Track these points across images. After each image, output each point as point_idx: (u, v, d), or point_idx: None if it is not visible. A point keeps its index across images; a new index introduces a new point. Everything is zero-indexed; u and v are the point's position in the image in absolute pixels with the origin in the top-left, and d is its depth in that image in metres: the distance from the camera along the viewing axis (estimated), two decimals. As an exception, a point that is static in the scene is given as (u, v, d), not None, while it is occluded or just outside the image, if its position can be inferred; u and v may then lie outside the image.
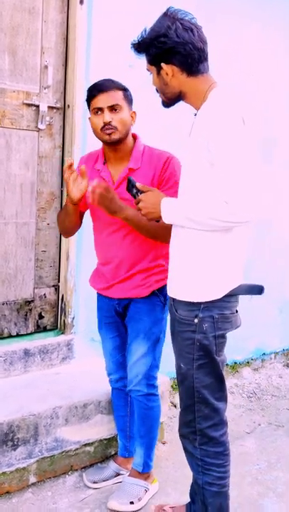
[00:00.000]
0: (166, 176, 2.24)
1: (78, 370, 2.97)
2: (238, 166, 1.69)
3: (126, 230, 2.27)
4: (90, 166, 2.35)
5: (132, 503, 2.35)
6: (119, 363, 2.50)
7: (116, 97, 2.19)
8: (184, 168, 1.94)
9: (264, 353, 4.11)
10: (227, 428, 2.00)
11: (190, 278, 1.88)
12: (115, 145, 2.24)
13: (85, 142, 2.93)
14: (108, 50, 2.99)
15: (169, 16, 1.84)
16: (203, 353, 1.88)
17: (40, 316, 3.04)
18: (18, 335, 2.95)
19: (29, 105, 2.83)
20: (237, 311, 1.95)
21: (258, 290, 1.91)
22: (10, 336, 2.92)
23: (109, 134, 2.19)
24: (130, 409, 2.54)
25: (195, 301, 1.86)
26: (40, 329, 3.04)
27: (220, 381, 1.94)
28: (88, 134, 2.89)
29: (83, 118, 2.92)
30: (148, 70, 1.94)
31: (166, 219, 1.86)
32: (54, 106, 2.92)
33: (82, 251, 3.00)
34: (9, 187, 2.83)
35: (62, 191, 3.01)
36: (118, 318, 2.45)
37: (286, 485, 2.60)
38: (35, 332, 3.03)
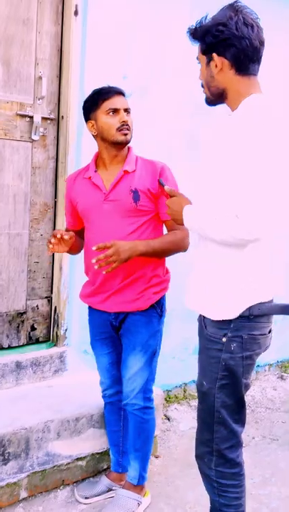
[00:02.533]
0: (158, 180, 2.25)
1: (71, 382, 2.94)
2: (253, 180, 1.62)
3: (122, 237, 2.24)
4: (79, 178, 2.36)
5: None
6: (115, 378, 2.46)
7: (127, 101, 2.29)
8: (207, 172, 1.87)
9: (258, 365, 4.09)
10: (242, 448, 1.96)
11: (218, 295, 1.80)
12: (123, 146, 2.26)
13: (79, 153, 2.92)
14: (102, 62, 3.00)
15: (234, 8, 1.76)
16: (227, 373, 1.82)
17: (33, 328, 3.01)
18: (9, 347, 2.92)
19: (23, 116, 2.82)
20: (270, 332, 1.88)
21: (286, 310, 1.82)
22: (1, 348, 2.89)
23: (126, 134, 2.23)
24: (124, 423, 2.50)
25: (220, 319, 1.79)
26: (32, 341, 3.02)
27: (241, 404, 1.89)
28: (82, 146, 2.90)
29: (77, 129, 2.92)
30: (198, 59, 1.86)
31: (187, 226, 1.86)
32: (48, 117, 2.91)
33: (76, 262, 2.97)
34: (2, 198, 2.82)
35: (56, 202, 3.00)
36: (114, 333, 2.41)
37: (280, 500, 2.58)
38: (28, 344, 3.00)
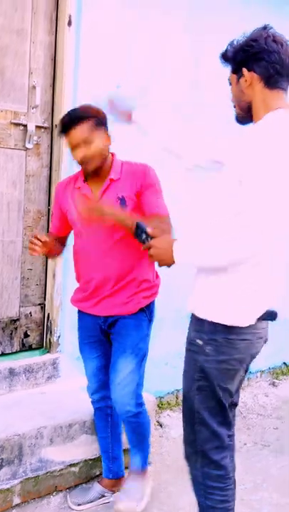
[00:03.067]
0: (147, 182, 2.27)
1: (64, 389, 2.95)
2: (265, 194, 1.62)
3: (111, 243, 2.28)
4: (70, 187, 2.39)
5: (137, 503, 2.43)
6: (102, 382, 2.48)
7: (84, 129, 2.19)
8: (215, 192, 1.87)
9: (250, 372, 4.10)
10: (231, 453, 1.98)
11: (210, 296, 1.82)
12: (95, 172, 2.29)
13: (73, 162, 2.95)
14: (96, 71, 3.04)
15: (265, 29, 1.84)
16: (203, 375, 1.86)
17: (26, 335, 3.03)
18: (3, 354, 2.94)
19: (17, 125, 2.85)
20: (249, 339, 1.84)
21: (270, 315, 1.83)
22: (-5, 355, 2.91)
23: (86, 167, 2.26)
24: (111, 430, 2.53)
25: (200, 317, 1.83)
26: (25, 348, 3.03)
27: (221, 406, 1.90)
28: (75, 154, 2.93)
29: (71, 138, 2.95)
30: (229, 81, 1.93)
31: (180, 263, 1.80)
32: (42, 125, 2.94)
33: (69, 269, 2.99)
34: (-4, 205, 2.85)
35: (49, 209, 3.02)
36: (102, 337, 2.44)
37: (271, 505, 2.60)
38: (21, 351, 3.02)
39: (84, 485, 2.64)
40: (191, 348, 1.88)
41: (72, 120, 2.20)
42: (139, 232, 1.93)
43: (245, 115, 1.90)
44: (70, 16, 2.91)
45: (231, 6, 3.62)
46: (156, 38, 3.29)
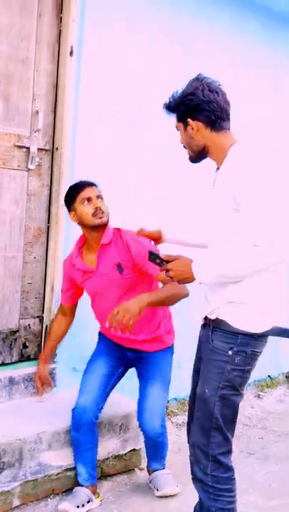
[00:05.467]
0: (134, 259, 2.61)
1: (60, 398, 3.08)
2: (264, 208, 1.85)
3: (123, 293, 2.64)
4: (71, 266, 2.78)
5: (177, 486, 2.80)
6: (95, 399, 2.68)
7: (98, 190, 2.69)
8: (210, 221, 2.10)
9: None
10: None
11: (238, 307, 2.00)
12: (102, 228, 2.64)
13: (72, 182, 3.11)
14: (96, 97, 3.23)
15: (198, 80, 2.07)
16: (229, 384, 2.02)
17: (25, 346, 3.18)
18: (3, 364, 3.08)
19: (20, 147, 3.03)
20: (261, 352, 2.09)
21: (287, 333, 2.06)
22: (-5, 365, 3.05)
23: (101, 218, 2.59)
24: (96, 439, 2.74)
25: (236, 330, 1.99)
26: (24, 358, 3.17)
27: (235, 413, 2.08)
28: (75, 175, 3.11)
29: (70, 159, 3.14)
30: (177, 127, 2.15)
31: (200, 280, 1.99)
32: (43, 148, 3.12)
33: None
34: (-1, 222, 3.01)
35: (48, 227, 3.19)
36: (121, 360, 2.79)
37: (257, 508, 2.75)
38: (20, 361, 3.16)
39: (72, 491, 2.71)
40: (220, 358, 2.02)
41: (89, 182, 2.71)
42: (152, 257, 2.11)
43: (198, 156, 2.15)
44: (71, 47, 3.10)
45: (232, 36, 3.85)
46: (153, 66, 3.50)
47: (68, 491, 2.74)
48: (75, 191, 2.65)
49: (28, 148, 3.05)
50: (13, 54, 2.97)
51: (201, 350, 2.15)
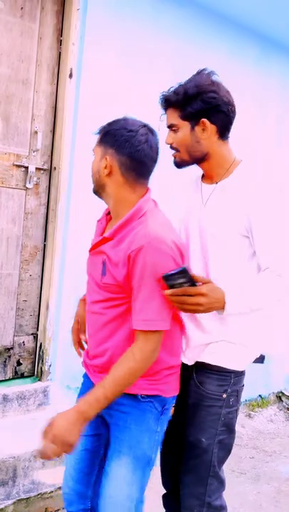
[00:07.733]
0: (133, 272, 1.66)
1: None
2: (283, 239, 1.75)
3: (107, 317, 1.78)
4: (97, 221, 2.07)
5: None
6: (84, 474, 1.92)
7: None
8: (209, 241, 1.84)
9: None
10: None
11: (230, 346, 1.87)
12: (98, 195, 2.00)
13: (69, 201, 3.18)
14: (94, 119, 3.26)
15: (209, 75, 1.82)
16: (225, 428, 1.89)
17: (19, 363, 3.19)
18: (-3, 381, 3.10)
19: (19, 166, 3.07)
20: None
21: (261, 359, 2.01)
22: (-11, 382, 3.06)
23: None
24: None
25: (230, 369, 1.86)
26: (18, 375, 3.19)
27: (229, 452, 1.95)
28: (72, 194, 3.16)
29: (68, 179, 3.18)
30: (171, 125, 1.86)
31: (228, 312, 1.73)
32: (41, 167, 3.17)
33: (62, 301, 3.19)
34: (-4, 240, 3.04)
35: (45, 245, 3.23)
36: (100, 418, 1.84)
37: (248, 528, 2.77)
38: (14, 378, 3.17)
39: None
40: (214, 403, 1.87)
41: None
42: (178, 276, 1.61)
43: (192, 163, 1.87)
44: (71, 69, 3.17)
45: (230, 61, 3.93)
46: (151, 88, 3.57)
47: (61, 509, 2.74)
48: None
49: (26, 167, 3.10)
50: (14, 75, 3.03)
51: (189, 396, 1.90)
